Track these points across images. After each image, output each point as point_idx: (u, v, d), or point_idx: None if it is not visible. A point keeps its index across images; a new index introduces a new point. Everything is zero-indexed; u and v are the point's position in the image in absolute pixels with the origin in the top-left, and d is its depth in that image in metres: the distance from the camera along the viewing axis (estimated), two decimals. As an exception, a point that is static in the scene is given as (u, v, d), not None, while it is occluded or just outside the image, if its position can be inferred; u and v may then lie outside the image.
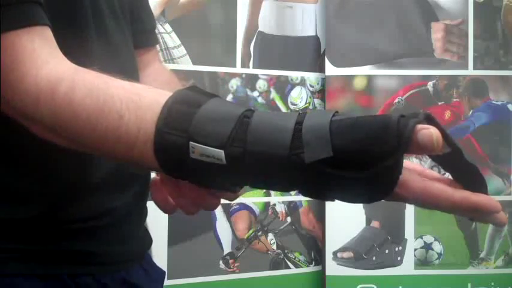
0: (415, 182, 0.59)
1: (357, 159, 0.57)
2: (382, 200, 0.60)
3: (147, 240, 0.97)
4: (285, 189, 0.64)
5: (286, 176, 0.60)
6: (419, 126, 0.57)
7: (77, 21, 0.80)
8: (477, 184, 0.61)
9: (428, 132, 0.56)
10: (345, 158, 0.57)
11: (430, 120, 0.58)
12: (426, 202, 0.60)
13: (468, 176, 0.62)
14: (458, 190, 0.60)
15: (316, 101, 2.01)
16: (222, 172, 0.61)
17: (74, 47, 0.73)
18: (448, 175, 0.64)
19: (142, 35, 0.99)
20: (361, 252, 1.96)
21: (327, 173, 0.58)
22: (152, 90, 0.67)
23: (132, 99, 0.65)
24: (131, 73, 0.89)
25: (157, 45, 1.07)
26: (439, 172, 0.68)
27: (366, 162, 0.57)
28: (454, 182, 0.62)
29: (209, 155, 0.61)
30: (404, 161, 0.59)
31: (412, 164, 0.63)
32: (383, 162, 0.56)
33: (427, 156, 0.61)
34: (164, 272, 1.01)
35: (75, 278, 0.82)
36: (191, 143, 0.61)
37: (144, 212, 0.95)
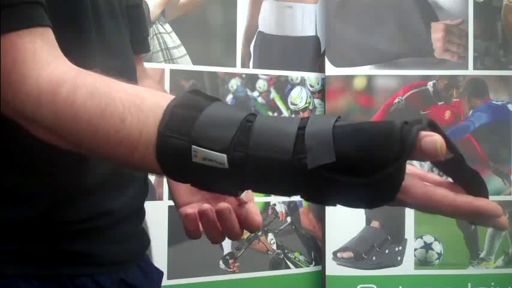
0: (417, 188, 0.59)
1: (360, 165, 0.57)
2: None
3: (145, 241, 0.97)
4: (287, 194, 0.63)
5: (288, 181, 0.60)
6: (423, 133, 0.57)
7: (77, 22, 0.80)
8: (478, 189, 0.61)
9: (433, 139, 0.56)
10: (348, 164, 0.57)
11: (432, 126, 0.57)
12: (428, 207, 0.60)
13: (469, 181, 0.62)
14: (460, 195, 0.60)
15: (316, 101, 2.01)
16: (224, 176, 0.61)
17: (74, 48, 0.73)
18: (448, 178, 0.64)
19: (138, 41, 0.99)
20: (361, 252, 1.96)
21: (329, 178, 0.58)
22: (154, 93, 0.67)
23: (134, 102, 0.64)
24: (130, 74, 0.89)
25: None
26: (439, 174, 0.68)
27: (369, 169, 0.56)
28: (454, 185, 0.62)
29: (212, 159, 0.60)
30: (407, 166, 0.59)
31: (414, 168, 0.63)
32: (386, 168, 0.56)
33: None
34: (162, 272, 1.01)
35: (74, 278, 0.82)
36: (193, 146, 0.61)
37: (142, 213, 0.95)
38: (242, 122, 0.61)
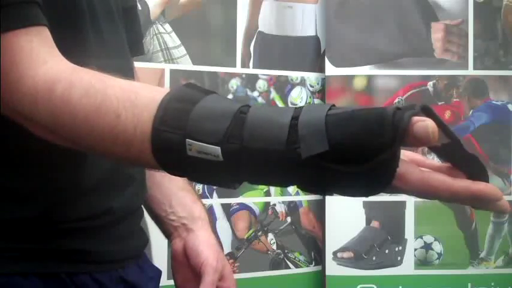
0: (414, 174, 0.58)
1: (354, 152, 0.57)
2: (382, 194, 0.59)
3: (143, 240, 0.97)
4: (283, 184, 0.64)
5: (283, 171, 0.59)
6: (415, 118, 0.56)
7: (74, 22, 0.80)
8: (478, 173, 0.60)
9: (424, 124, 0.56)
10: (342, 152, 0.57)
11: (426, 111, 0.57)
12: (425, 193, 0.59)
13: (468, 165, 0.61)
14: (457, 180, 0.59)
15: (316, 101, 2.01)
16: (219, 169, 0.61)
17: (71, 49, 0.73)
18: None
19: (134, 43, 0.99)
20: (361, 252, 1.96)
21: (323, 167, 0.57)
22: (149, 88, 0.67)
23: (129, 98, 0.65)
24: (128, 75, 0.89)
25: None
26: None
27: (363, 156, 0.56)
28: (453, 170, 0.61)
29: (206, 152, 0.60)
30: (403, 151, 0.58)
31: (411, 154, 0.63)
32: (379, 155, 0.56)
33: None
34: (160, 270, 1.02)
35: (73, 276, 0.82)
36: (188, 140, 0.61)
37: (140, 212, 0.96)
38: (236, 114, 0.61)
